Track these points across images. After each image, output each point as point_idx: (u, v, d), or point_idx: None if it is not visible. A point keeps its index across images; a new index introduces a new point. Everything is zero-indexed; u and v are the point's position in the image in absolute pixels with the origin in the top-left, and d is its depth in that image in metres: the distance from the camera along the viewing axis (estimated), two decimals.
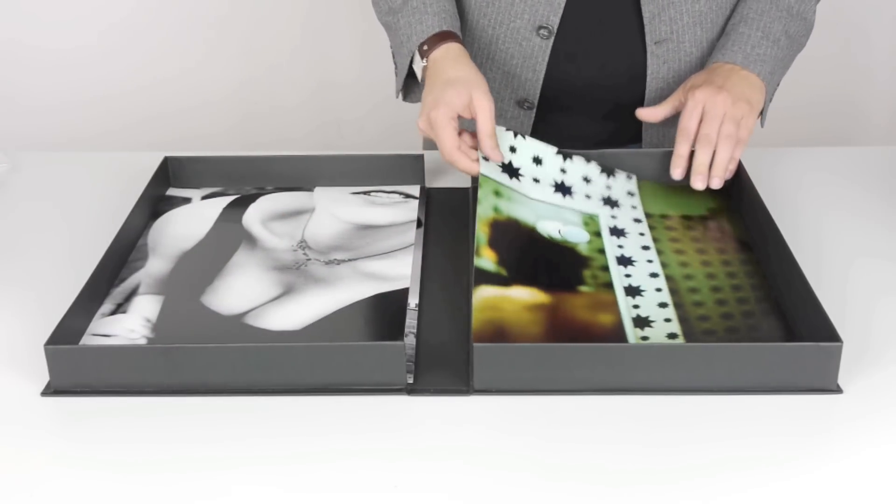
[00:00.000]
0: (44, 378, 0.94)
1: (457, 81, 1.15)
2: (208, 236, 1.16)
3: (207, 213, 1.21)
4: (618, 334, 0.97)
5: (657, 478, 0.83)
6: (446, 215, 1.20)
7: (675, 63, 1.29)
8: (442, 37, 1.21)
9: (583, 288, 1.03)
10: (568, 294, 1.02)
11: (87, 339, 0.99)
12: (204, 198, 1.24)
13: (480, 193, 1.11)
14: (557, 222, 1.13)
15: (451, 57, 1.20)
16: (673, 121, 1.26)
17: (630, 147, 1.36)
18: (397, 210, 1.21)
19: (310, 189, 1.26)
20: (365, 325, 1.02)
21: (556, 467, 0.84)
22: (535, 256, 1.08)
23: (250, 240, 1.15)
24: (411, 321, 1.01)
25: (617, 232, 1.13)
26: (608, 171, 1.21)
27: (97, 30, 2.28)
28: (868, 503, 0.81)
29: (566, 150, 1.20)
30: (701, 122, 1.18)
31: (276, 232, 1.17)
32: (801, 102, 2.32)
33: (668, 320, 0.99)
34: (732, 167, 1.19)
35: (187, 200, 1.24)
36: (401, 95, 1.30)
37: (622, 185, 1.21)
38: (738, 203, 1.19)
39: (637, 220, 1.15)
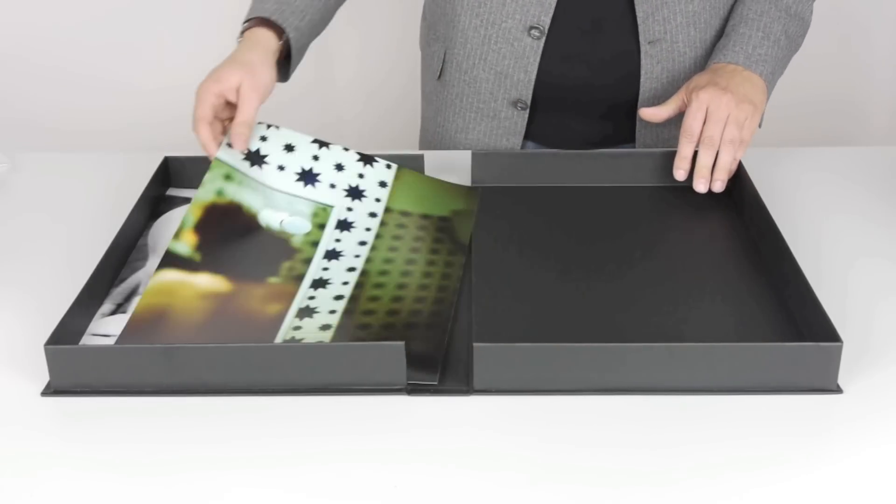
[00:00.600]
0: (44, 378, 0.94)
1: (238, 64, 1.17)
2: None
3: None
4: (274, 324, 0.97)
5: (657, 478, 0.83)
6: None
7: (669, 63, 1.29)
8: (263, 23, 1.22)
9: (272, 279, 1.03)
10: (253, 284, 1.03)
11: (87, 339, 0.99)
12: None
13: (207, 177, 1.12)
14: (284, 213, 1.12)
15: (253, 42, 1.20)
16: (668, 121, 1.26)
17: (623, 147, 1.36)
18: None
19: None
20: None
21: (555, 467, 0.84)
22: (242, 244, 1.08)
23: None
24: None
25: (343, 225, 1.11)
26: (367, 159, 1.19)
27: (98, 31, 2.27)
28: (868, 503, 0.81)
29: (324, 140, 1.19)
30: (704, 123, 1.18)
31: None
32: (801, 102, 2.31)
33: (332, 312, 0.99)
34: (733, 167, 1.20)
35: (187, 200, 1.23)
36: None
37: (377, 174, 1.18)
38: (738, 203, 1.19)
39: (372, 215, 1.14)
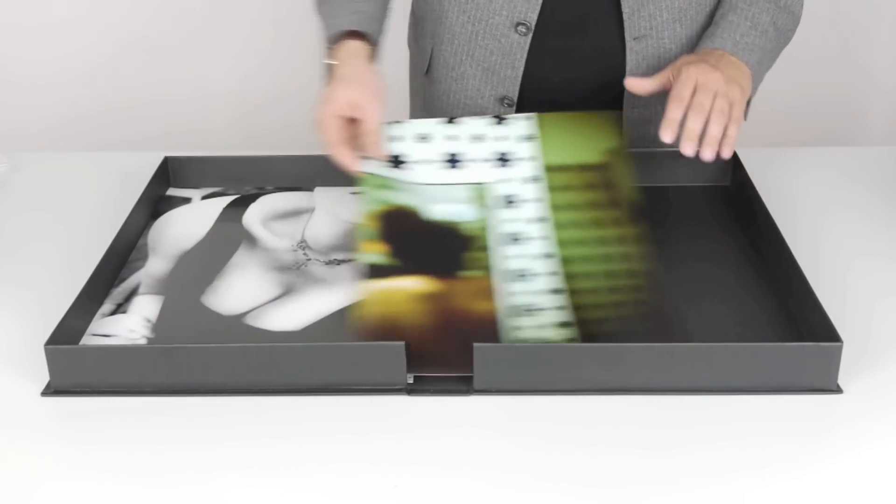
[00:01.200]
0: (44, 378, 0.94)
1: (347, 79, 1.16)
2: (208, 236, 1.16)
3: (207, 213, 1.21)
4: (492, 324, 0.96)
5: (657, 478, 0.83)
6: None
7: (654, 60, 1.29)
8: (350, 36, 1.21)
9: (465, 273, 1.02)
10: (453, 280, 1.01)
11: (87, 340, 0.99)
12: (204, 198, 1.24)
13: (363, 192, 1.11)
14: (444, 204, 1.11)
15: (349, 55, 1.20)
16: (655, 120, 1.25)
17: None
18: None
19: (310, 189, 1.26)
20: None
21: (555, 467, 0.84)
22: (423, 243, 1.06)
23: (250, 240, 1.15)
24: None
25: (507, 202, 1.10)
26: (500, 120, 1.18)
27: (96, 29, 2.27)
28: (868, 503, 0.81)
29: (452, 118, 1.18)
30: (694, 93, 1.16)
31: (276, 232, 1.17)
32: (800, 103, 2.31)
33: (559, 308, 0.98)
34: (730, 146, 1.14)
35: (187, 200, 1.24)
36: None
37: (518, 129, 1.17)
38: (738, 203, 1.19)
39: (532, 179, 1.12)
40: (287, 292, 1.06)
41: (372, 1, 1.25)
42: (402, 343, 0.91)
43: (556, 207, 1.09)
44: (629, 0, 1.24)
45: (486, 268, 1.03)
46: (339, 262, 1.11)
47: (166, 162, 1.26)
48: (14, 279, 1.11)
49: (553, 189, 1.11)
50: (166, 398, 0.92)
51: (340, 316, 1.02)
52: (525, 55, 1.28)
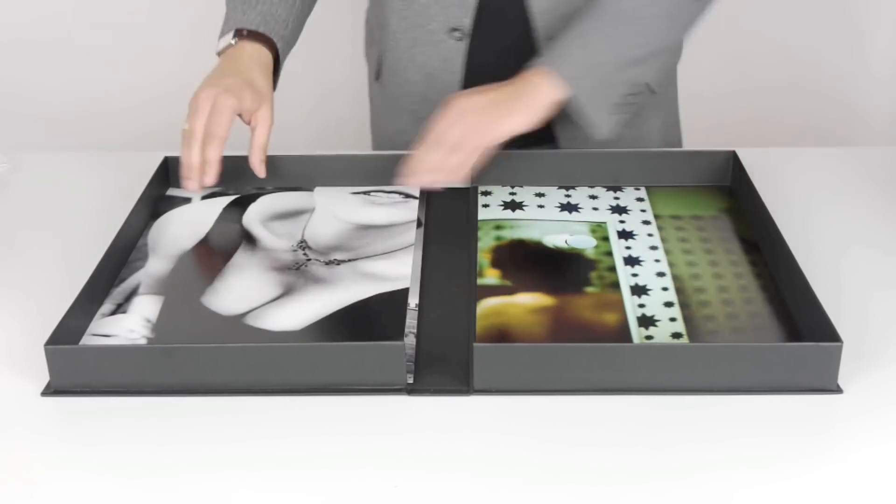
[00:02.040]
0: (44, 378, 0.94)
1: (256, 88, 1.17)
2: (208, 236, 1.16)
3: (207, 213, 1.21)
4: (622, 333, 0.97)
5: (657, 477, 0.83)
6: (446, 215, 1.20)
7: None
8: (255, 36, 1.22)
9: (589, 289, 1.04)
10: (573, 295, 1.03)
11: (87, 340, 0.99)
12: (204, 198, 1.24)
13: (480, 234, 1.13)
14: (564, 234, 1.14)
15: (258, 60, 1.21)
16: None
17: (547, 147, 1.34)
18: (397, 210, 1.21)
19: (310, 189, 1.26)
20: (365, 325, 1.02)
21: (555, 468, 0.84)
22: (541, 266, 1.08)
23: (250, 240, 1.15)
24: (411, 321, 1.01)
25: (625, 235, 1.13)
26: (614, 187, 1.23)
27: (95, 29, 2.27)
28: (868, 503, 0.81)
29: (568, 184, 1.23)
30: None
31: (276, 232, 1.17)
32: (800, 103, 2.32)
33: (672, 319, 0.99)
34: (459, 173, 1.13)
35: (187, 200, 1.24)
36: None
37: (631, 193, 1.22)
38: (738, 202, 1.19)
39: (646, 223, 1.16)
40: (287, 292, 1.06)
41: (284, 4, 1.24)
42: (402, 343, 0.91)
43: (666, 240, 1.12)
44: (539, 2, 1.24)
45: (614, 284, 1.04)
46: (339, 262, 1.11)
47: (166, 162, 1.26)
48: (14, 279, 1.11)
49: (664, 228, 1.15)
50: (166, 398, 0.92)
51: (340, 316, 1.02)
52: (463, 60, 1.28)
